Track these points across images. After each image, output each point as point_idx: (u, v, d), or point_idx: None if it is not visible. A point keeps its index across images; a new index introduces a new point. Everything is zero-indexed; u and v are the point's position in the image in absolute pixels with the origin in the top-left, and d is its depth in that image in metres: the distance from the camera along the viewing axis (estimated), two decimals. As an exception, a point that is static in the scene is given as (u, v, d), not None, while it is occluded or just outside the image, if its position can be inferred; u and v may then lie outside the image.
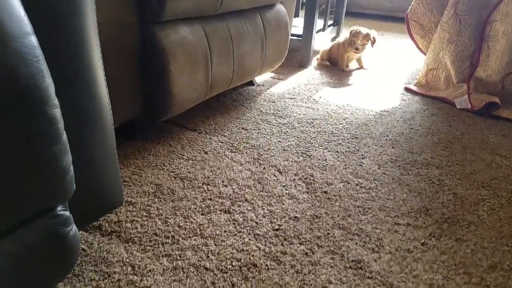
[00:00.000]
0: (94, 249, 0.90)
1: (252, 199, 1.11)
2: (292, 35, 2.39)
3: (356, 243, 0.95)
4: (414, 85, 2.14)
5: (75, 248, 0.71)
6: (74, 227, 0.69)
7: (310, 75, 2.29)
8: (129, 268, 0.85)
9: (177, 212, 1.05)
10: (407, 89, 2.11)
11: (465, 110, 1.82)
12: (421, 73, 2.15)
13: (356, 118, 1.68)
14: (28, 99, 0.53)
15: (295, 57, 2.61)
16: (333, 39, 3.12)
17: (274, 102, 1.84)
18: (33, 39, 0.52)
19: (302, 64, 2.45)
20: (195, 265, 0.87)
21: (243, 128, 1.56)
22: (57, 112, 0.58)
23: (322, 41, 2.75)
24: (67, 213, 0.68)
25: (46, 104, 0.56)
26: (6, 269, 0.58)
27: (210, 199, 1.10)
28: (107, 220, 1.00)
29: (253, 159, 1.32)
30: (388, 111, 1.78)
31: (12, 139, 0.53)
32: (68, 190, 0.65)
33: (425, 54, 2.22)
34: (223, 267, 0.87)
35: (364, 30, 2.28)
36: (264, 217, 1.04)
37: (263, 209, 1.07)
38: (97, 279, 0.82)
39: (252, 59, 1.70)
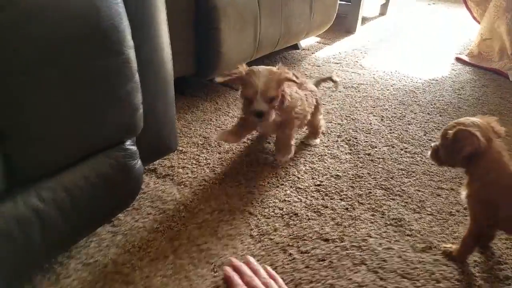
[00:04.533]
0: (150, 188, 0.98)
1: (295, 156, 1.15)
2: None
3: (398, 203, 0.97)
4: (466, 55, 2.06)
5: (138, 180, 0.78)
6: (139, 162, 0.76)
7: (357, 41, 2.24)
8: (182, 207, 0.92)
9: (223, 162, 1.10)
10: (459, 59, 2.03)
11: (520, 83, 1.75)
12: (474, 43, 2.06)
13: (403, 85, 1.65)
14: (108, 38, 0.58)
15: (342, 23, 2.55)
16: (383, 6, 3.01)
17: (319, 66, 1.83)
18: (115, -18, 0.57)
19: (349, 30, 2.40)
20: (240, 209, 0.93)
21: (287, 90, 1.57)
22: (132, 53, 0.63)
23: (371, 8, 2.67)
24: (135, 147, 0.74)
25: (122, 45, 0.61)
26: (84, 192, 0.66)
27: (254, 154, 1.15)
28: (161, 164, 1.08)
29: (297, 119, 1.35)
30: (437, 80, 1.73)
31: (93, 74, 0.59)
32: (137, 126, 0.71)
33: (479, 23, 2.11)
34: (266, 213, 0.92)
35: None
36: (306, 173, 1.08)
37: (305, 166, 1.11)
38: (153, 213, 0.90)
39: (300, 21, 1.69)
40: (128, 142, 0.73)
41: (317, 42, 2.21)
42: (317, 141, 1.23)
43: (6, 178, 0.56)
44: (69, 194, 0.64)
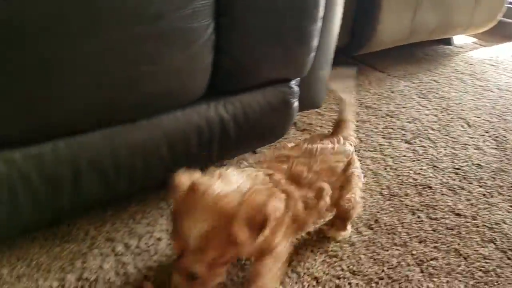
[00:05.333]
0: (291, 136, 1.09)
1: (436, 139, 1.14)
2: (509, 2, 2.13)
3: (544, 203, 0.91)
4: None
5: (292, 118, 0.88)
6: (297, 101, 0.86)
7: (520, 47, 2.05)
8: (318, 157, 1.01)
9: (359, 130, 1.15)
10: None
11: None
12: None
13: None
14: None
15: (504, 27, 2.32)
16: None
17: (472, 64, 1.73)
18: None
19: (511, 36, 2.19)
20: (372, 171, 0.98)
21: (434, 80, 1.54)
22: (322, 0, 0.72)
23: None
24: (297, 88, 0.85)
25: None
26: (255, 113, 0.78)
27: (392, 129, 1.18)
28: (301, 120, 1.18)
29: (441, 108, 1.32)
30: None
31: (291, 7, 0.69)
32: (306, 67, 0.81)
33: None
34: (399, 180, 0.95)
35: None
36: (446, 156, 1.07)
37: (445, 149, 1.09)
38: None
39: (461, 13, 1.62)
40: (293, 82, 0.84)
41: (473, 42, 2.07)
42: (346, 233, 0.76)
43: (208, 86, 0.70)
44: (245, 112, 0.76)
